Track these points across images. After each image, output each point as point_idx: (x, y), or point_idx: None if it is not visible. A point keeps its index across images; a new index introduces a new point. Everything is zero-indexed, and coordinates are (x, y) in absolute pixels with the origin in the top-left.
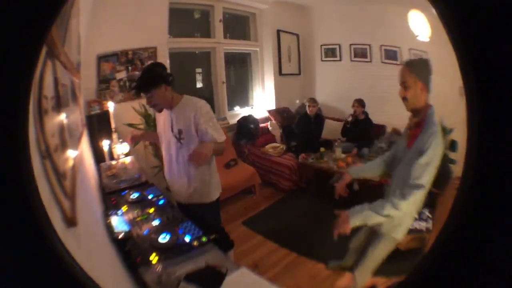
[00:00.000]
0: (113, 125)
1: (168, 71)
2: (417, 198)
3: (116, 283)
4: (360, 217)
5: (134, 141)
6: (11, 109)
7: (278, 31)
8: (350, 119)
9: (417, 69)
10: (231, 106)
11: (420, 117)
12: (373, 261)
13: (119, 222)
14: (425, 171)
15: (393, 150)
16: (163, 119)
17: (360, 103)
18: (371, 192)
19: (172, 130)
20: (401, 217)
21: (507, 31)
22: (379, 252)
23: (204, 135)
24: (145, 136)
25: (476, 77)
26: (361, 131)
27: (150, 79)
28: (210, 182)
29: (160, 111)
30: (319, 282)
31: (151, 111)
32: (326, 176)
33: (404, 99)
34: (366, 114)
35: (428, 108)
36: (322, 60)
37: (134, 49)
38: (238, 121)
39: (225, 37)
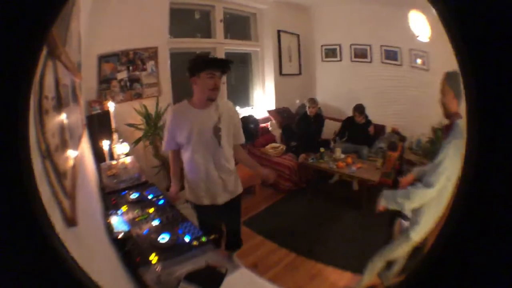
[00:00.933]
0: (113, 125)
1: None
2: (423, 196)
3: (116, 283)
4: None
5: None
6: (11, 109)
7: (279, 31)
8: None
9: (451, 79)
10: None
11: (449, 124)
12: (383, 256)
13: (119, 222)
14: (437, 178)
15: None
16: (196, 119)
17: (358, 110)
18: (371, 192)
19: (213, 130)
20: (417, 215)
21: (507, 31)
22: (392, 247)
23: (237, 136)
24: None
25: (476, 77)
26: (363, 134)
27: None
28: (237, 174)
29: (214, 99)
30: (319, 282)
31: (151, 111)
32: (326, 176)
33: (441, 104)
34: (366, 117)
35: (457, 117)
36: (323, 61)
37: (135, 49)
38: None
39: (225, 37)
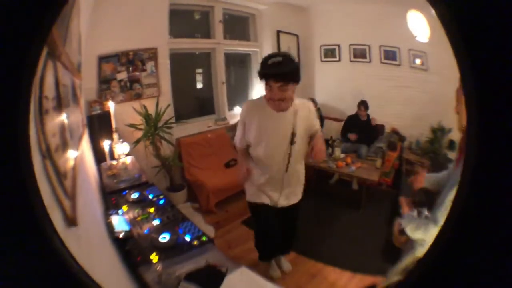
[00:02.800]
0: (113, 125)
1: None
2: (427, 231)
3: (116, 282)
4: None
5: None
6: (12, 109)
7: (278, 32)
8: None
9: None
10: (231, 106)
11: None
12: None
13: (119, 222)
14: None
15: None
16: (269, 123)
17: (365, 105)
18: (370, 192)
19: (291, 134)
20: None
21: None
22: (400, 265)
23: (314, 132)
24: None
25: (475, 77)
26: (365, 131)
27: (296, 72)
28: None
29: (282, 110)
30: (319, 282)
31: (151, 111)
32: (325, 176)
33: (457, 113)
34: (368, 115)
35: None
36: (322, 61)
37: (135, 49)
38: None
39: (225, 37)
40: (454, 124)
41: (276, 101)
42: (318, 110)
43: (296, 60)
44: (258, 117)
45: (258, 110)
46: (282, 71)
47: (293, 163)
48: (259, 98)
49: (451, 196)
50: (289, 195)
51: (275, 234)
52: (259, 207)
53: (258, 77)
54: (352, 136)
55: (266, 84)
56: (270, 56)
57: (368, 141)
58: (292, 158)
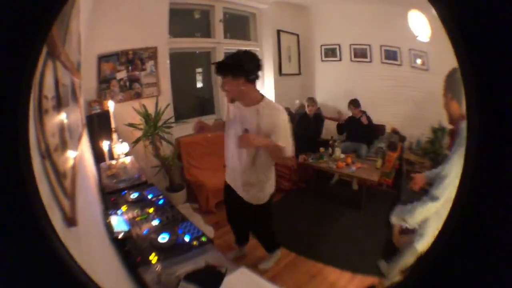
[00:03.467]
0: (113, 125)
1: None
2: (428, 210)
3: (116, 282)
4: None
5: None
6: (11, 109)
7: (278, 31)
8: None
9: (448, 80)
10: None
11: (454, 128)
12: (395, 269)
13: (118, 222)
14: (443, 191)
15: None
16: (235, 113)
17: (354, 104)
18: (370, 192)
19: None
20: (423, 227)
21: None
22: (399, 261)
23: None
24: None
25: (476, 77)
26: (361, 130)
27: (230, 67)
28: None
29: (231, 101)
30: (319, 282)
31: (150, 111)
32: (325, 176)
33: (445, 109)
34: (364, 113)
35: (462, 120)
36: (322, 60)
37: (134, 49)
38: None
39: (225, 37)
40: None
41: (225, 92)
42: (318, 109)
43: (252, 57)
44: (232, 107)
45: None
46: (218, 64)
47: (248, 160)
48: None
49: (444, 171)
50: (249, 191)
51: (236, 218)
52: (226, 188)
53: None
54: (338, 112)
55: None
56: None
57: (366, 140)
58: (245, 155)
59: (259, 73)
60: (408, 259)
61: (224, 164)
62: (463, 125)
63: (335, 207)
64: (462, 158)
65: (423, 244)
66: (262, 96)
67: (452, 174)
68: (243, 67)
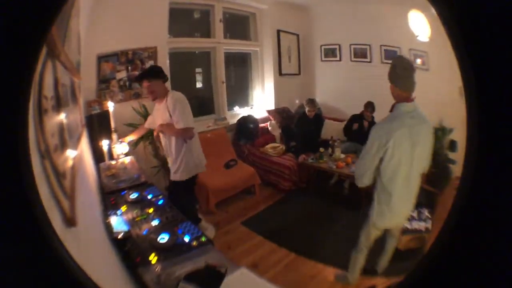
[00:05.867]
0: (112, 125)
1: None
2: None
3: (116, 283)
4: None
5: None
6: (11, 109)
7: (278, 31)
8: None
9: (390, 71)
10: (231, 106)
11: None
12: (358, 247)
13: (118, 222)
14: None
15: None
16: (159, 112)
17: (372, 107)
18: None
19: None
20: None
21: (507, 31)
22: (361, 237)
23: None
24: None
25: (476, 77)
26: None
27: (145, 73)
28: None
29: (154, 99)
30: (319, 282)
31: (150, 111)
32: (325, 176)
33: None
34: (373, 117)
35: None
36: (322, 60)
37: (134, 49)
38: (237, 121)
39: (225, 37)
40: (455, 123)
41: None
42: (318, 110)
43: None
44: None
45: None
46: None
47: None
48: None
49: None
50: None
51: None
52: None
53: None
54: (355, 126)
55: None
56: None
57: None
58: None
59: None
60: (369, 234)
61: (224, 163)
62: (398, 104)
63: (335, 207)
64: (378, 131)
65: (373, 213)
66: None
67: (370, 137)
68: (149, 73)
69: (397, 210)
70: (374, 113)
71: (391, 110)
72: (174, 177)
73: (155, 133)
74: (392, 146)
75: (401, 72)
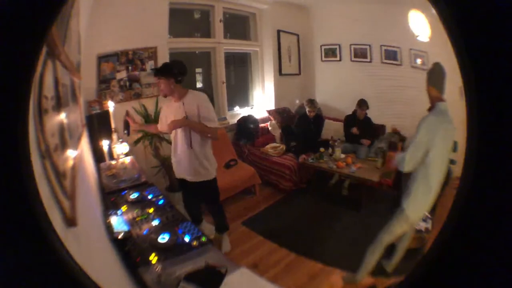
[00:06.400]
0: (113, 125)
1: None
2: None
3: (116, 283)
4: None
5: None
6: (11, 109)
7: (278, 31)
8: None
9: (429, 72)
10: (231, 106)
11: (431, 106)
12: (381, 240)
13: (118, 222)
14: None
15: None
16: (171, 110)
17: (365, 104)
18: (370, 192)
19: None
20: (409, 187)
21: (507, 31)
22: (388, 227)
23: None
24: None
25: (476, 77)
26: (363, 129)
27: (158, 69)
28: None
29: (164, 97)
30: (319, 282)
31: (150, 111)
32: (326, 177)
33: (427, 92)
34: (366, 114)
35: (438, 100)
36: (322, 60)
37: (134, 49)
38: (238, 121)
39: (225, 37)
40: (455, 123)
41: (160, 91)
42: (318, 110)
43: (168, 65)
44: (165, 107)
45: (167, 104)
46: (154, 70)
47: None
48: None
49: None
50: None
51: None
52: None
53: None
54: (354, 130)
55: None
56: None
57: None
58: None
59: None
60: (398, 226)
61: (224, 163)
62: (439, 102)
63: (335, 207)
64: (433, 123)
65: (410, 205)
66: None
67: (422, 130)
68: (167, 70)
69: (430, 204)
70: (368, 110)
71: (430, 109)
72: (204, 176)
73: (169, 130)
74: (439, 138)
75: (440, 76)
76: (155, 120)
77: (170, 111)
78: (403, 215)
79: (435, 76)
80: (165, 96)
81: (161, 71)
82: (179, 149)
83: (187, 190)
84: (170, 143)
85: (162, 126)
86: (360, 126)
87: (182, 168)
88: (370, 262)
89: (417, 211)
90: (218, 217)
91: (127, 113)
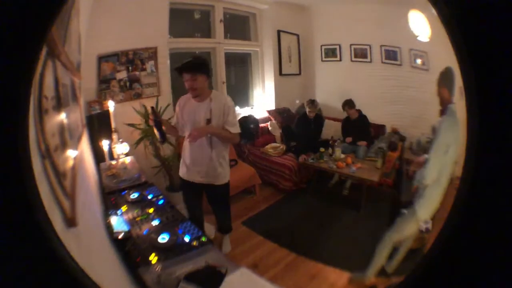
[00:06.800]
0: (113, 125)
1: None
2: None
3: (116, 283)
4: None
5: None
6: (11, 109)
7: (278, 31)
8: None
9: (441, 74)
10: None
11: (442, 108)
12: (391, 237)
13: (118, 222)
14: (435, 141)
15: None
16: (192, 109)
17: (350, 104)
18: (370, 192)
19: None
20: (423, 190)
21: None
22: (398, 225)
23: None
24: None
25: (476, 77)
26: (358, 130)
27: (200, 66)
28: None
29: (196, 97)
30: (319, 282)
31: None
32: (326, 177)
33: (437, 94)
34: (359, 112)
35: (450, 102)
36: (322, 60)
37: (134, 49)
38: (238, 121)
39: (225, 37)
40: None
41: (191, 90)
42: (319, 110)
43: (206, 61)
44: (183, 105)
45: (184, 101)
46: (190, 65)
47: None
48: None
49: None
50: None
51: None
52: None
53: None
54: (348, 140)
55: (183, 78)
56: (186, 58)
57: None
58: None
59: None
60: (409, 227)
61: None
62: (451, 104)
63: (335, 207)
64: (449, 124)
65: (422, 208)
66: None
67: (442, 132)
68: (205, 67)
69: (439, 203)
70: (355, 107)
71: (443, 112)
72: (221, 179)
73: (194, 139)
74: (455, 139)
75: (452, 78)
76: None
77: (190, 111)
78: (414, 215)
79: (448, 78)
80: (196, 96)
81: (200, 67)
82: (195, 151)
83: (194, 192)
84: (170, 143)
85: (181, 129)
86: (356, 127)
87: (197, 170)
88: (378, 261)
89: (428, 211)
90: (224, 219)
91: (154, 111)
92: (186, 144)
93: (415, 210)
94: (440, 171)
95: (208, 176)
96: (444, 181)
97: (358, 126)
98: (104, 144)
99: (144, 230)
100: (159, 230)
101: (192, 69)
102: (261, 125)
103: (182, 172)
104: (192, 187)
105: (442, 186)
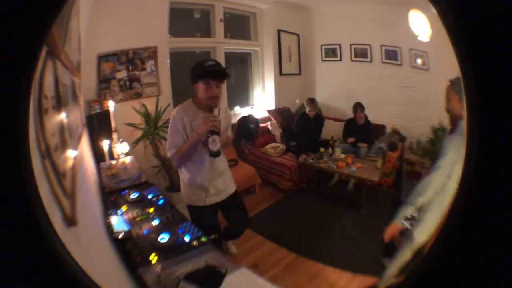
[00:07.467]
0: (113, 125)
1: None
2: (433, 179)
3: (116, 283)
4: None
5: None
6: (11, 108)
7: (279, 31)
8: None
9: (455, 86)
10: (231, 106)
11: (453, 126)
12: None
13: (118, 222)
14: (441, 157)
15: None
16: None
17: (361, 107)
18: (370, 192)
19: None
20: (423, 214)
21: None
22: (398, 258)
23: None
24: None
25: (477, 77)
26: (362, 134)
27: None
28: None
29: (216, 106)
30: (319, 282)
31: (151, 110)
32: (326, 177)
33: (447, 111)
34: (366, 117)
35: (461, 118)
36: (323, 60)
37: (134, 48)
38: (238, 121)
39: (225, 36)
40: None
41: (215, 98)
42: (318, 110)
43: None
44: (189, 119)
45: (188, 113)
46: (221, 70)
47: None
48: (186, 102)
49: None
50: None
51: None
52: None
53: (195, 78)
54: (350, 140)
55: (205, 84)
56: (205, 60)
57: (366, 143)
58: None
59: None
60: (406, 251)
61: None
62: (461, 121)
63: (335, 207)
64: (458, 145)
65: (421, 233)
66: None
67: (445, 158)
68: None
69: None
70: (368, 111)
71: (453, 129)
72: (232, 187)
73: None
74: (459, 159)
75: (461, 89)
76: (155, 120)
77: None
78: (414, 243)
79: (460, 87)
80: (217, 106)
81: (226, 74)
82: (215, 165)
83: (212, 216)
84: None
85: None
86: (360, 131)
87: (219, 186)
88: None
89: (427, 235)
90: (245, 223)
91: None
92: (197, 162)
93: (413, 236)
94: (437, 192)
95: (228, 188)
96: (444, 207)
97: (362, 131)
98: (104, 143)
99: (144, 230)
100: (159, 230)
101: (225, 76)
102: (261, 125)
103: (195, 198)
104: (210, 210)
105: (440, 211)
